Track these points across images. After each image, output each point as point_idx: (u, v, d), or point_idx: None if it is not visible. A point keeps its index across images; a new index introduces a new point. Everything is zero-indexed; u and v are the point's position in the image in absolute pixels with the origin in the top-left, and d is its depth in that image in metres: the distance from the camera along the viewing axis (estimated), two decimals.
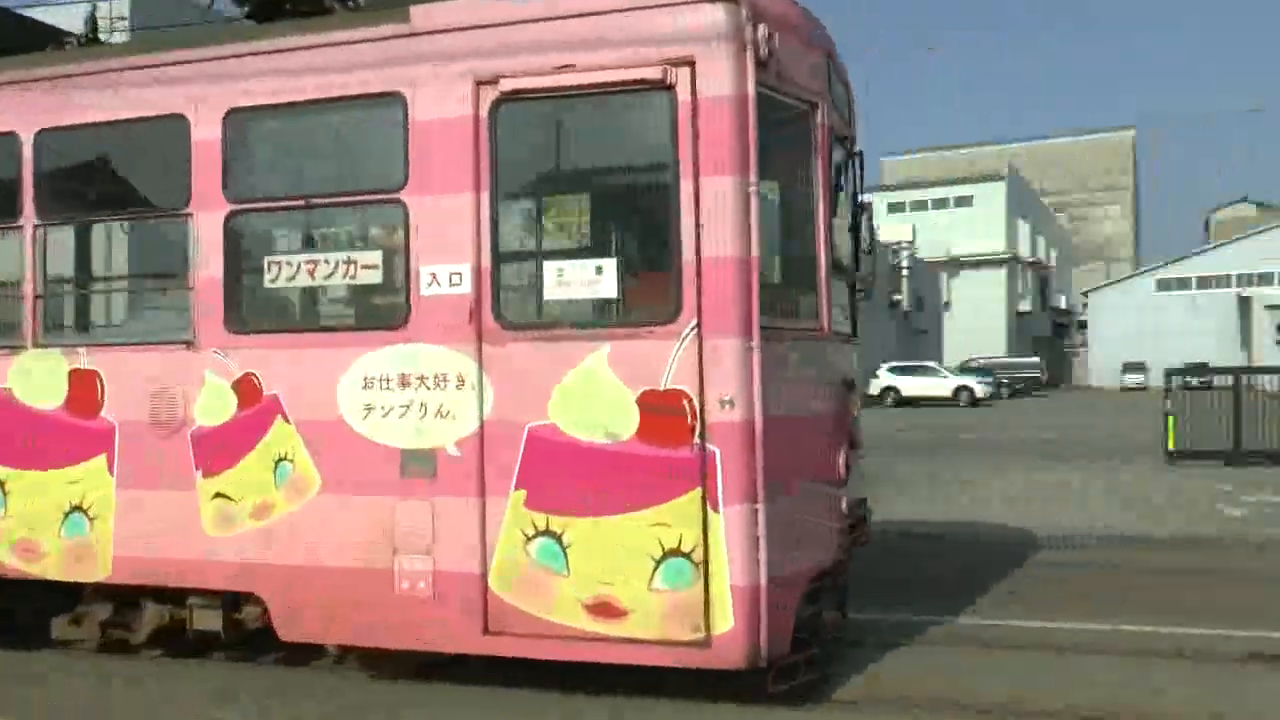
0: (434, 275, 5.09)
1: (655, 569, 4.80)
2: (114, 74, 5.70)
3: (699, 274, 4.74)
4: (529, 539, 4.98)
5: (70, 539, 5.80)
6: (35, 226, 5.85)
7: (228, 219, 5.46)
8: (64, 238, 6.50)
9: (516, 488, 5.00)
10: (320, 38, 5.33)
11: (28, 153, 5.85)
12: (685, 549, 4.78)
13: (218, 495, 5.50)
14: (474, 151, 5.03)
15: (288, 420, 5.36)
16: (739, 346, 4.72)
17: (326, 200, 5.50)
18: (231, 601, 5.67)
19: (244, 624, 5.72)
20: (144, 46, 5.97)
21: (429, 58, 5.11)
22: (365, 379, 5.22)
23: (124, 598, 5.93)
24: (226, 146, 5.45)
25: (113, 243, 6.75)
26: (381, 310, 5.52)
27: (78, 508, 5.79)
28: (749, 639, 4.71)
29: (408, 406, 5.15)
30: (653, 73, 4.78)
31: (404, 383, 5.15)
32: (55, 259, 6.04)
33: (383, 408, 5.19)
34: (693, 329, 4.76)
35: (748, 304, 4.73)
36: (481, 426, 5.03)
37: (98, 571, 5.77)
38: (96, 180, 6.36)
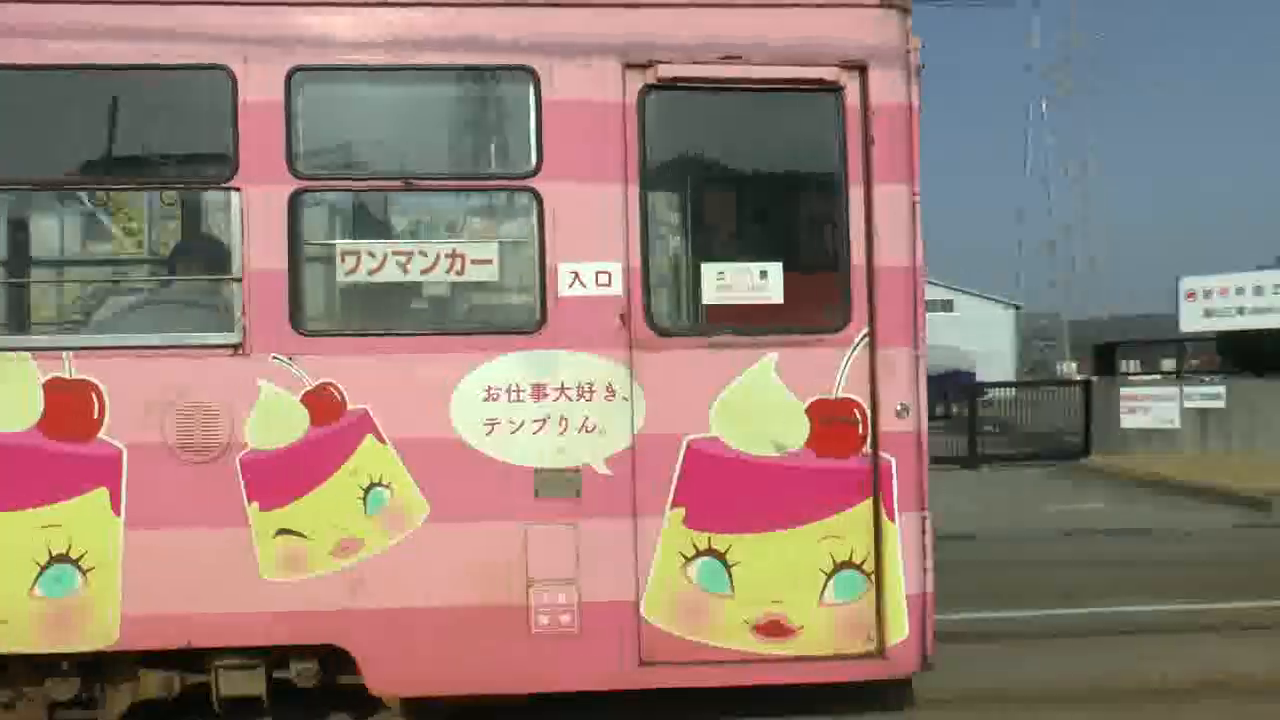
0: (576, 274, 4.57)
1: (826, 583, 4.68)
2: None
3: (870, 281, 4.68)
4: (688, 560, 4.64)
5: (50, 598, 4.52)
6: None
7: (292, 198, 4.53)
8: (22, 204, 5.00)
9: (674, 506, 4.63)
10: None
11: None
12: (856, 560, 4.70)
13: (282, 532, 4.54)
14: (622, 139, 4.59)
15: (382, 439, 4.55)
16: (910, 356, 4.72)
17: (433, 183, 4.73)
18: (276, 661, 4.72)
19: (290, 685, 4.77)
20: None
21: (568, 32, 4.59)
22: (489, 390, 4.57)
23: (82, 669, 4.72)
24: (288, 108, 4.52)
25: (97, 220, 5.27)
26: (507, 311, 4.86)
27: (63, 557, 4.52)
28: (920, 646, 4.73)
29: (544, 420, 4.58)
30: (828, 74, 4.65)
31: (539, 394, 4.58)
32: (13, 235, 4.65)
33: (511, 422, 4.57)
34: (864, 337, 4.69)
35: (915, 313, 4.75)
36: (634, 441, 4.60)
37: (97, 637, 4.53)
38: (78, 135, 4.96)
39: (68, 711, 4.86)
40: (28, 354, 4.52)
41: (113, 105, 4.79)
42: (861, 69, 4.67)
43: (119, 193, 5.17)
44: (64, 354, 4.52)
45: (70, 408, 4.50)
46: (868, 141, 4.67)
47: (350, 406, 4.54)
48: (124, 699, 4.83)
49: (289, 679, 4.74)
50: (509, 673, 4.60)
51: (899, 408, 4.69)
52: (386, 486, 4.56)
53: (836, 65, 4.65)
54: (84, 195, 5.16)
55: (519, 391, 4.57)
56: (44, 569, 4.50)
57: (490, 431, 4.56)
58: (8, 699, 4.82)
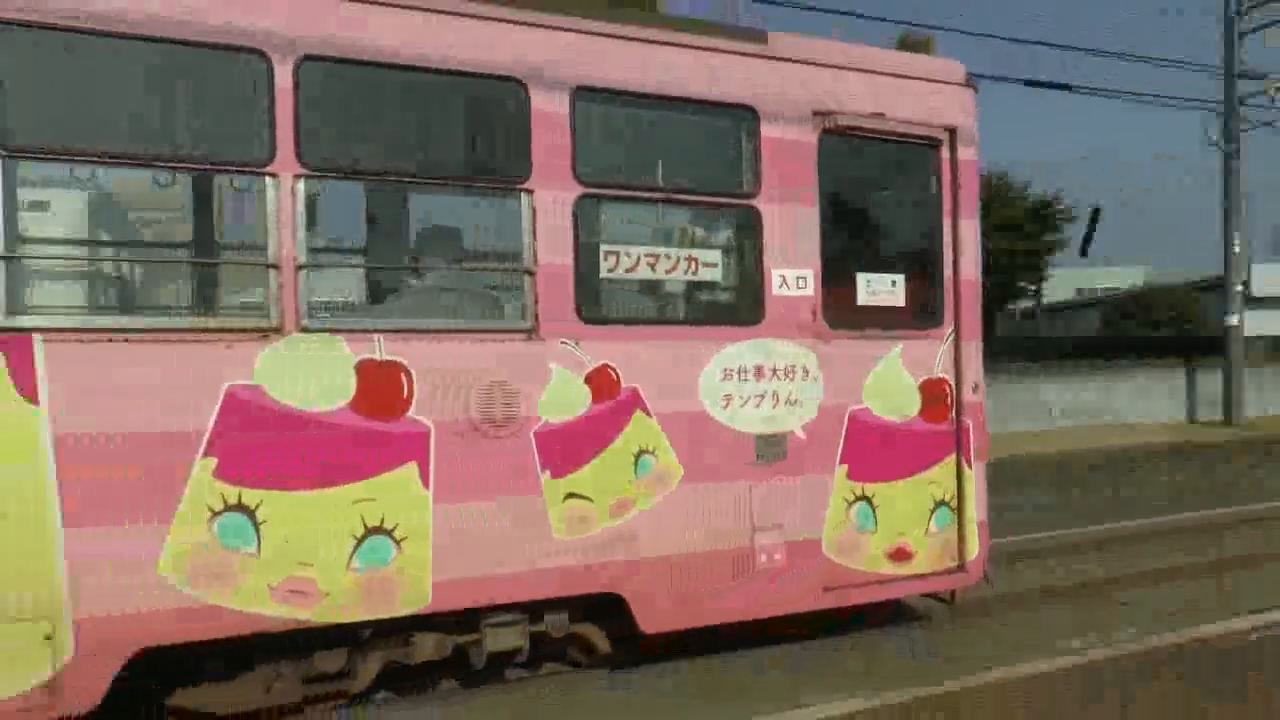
0: (783, 278, 5.67)
1: (930, 516, 6.21)
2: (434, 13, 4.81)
3: (956, 292, 6.30)
4: (849, 505, 5.93)
5: (365, 570, 4.69)
6: (296, 176, 4.56)
7: (576, 203, 5.13)
8: (335, 193, 4.81)
9: (841, 463, 5.89)
10: (682, 37, 5.40)
11: (285, 81, 4.54)
12: (947, 499, 6.29)
13: (570, 496, 5.12)
14: (812, 171, 5.77)
15: (648, 413, 5.31)
16: (979, 347, 6.40)
17: (685, 197, 5.51)
18: (535, 615, 5.26)
19: (547, 637, 5.33)
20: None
21: (779, 81, 5.67)
22: (725, 371, 5.51)
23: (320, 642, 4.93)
24: (574, 123, 5.12)
25: (391, 208, 5.08)
26: (735, 307, 5.71)
27: (375, 530, 4.71)
28: (985, 560, 6.42)
29: (763, 396, 5.62)
30: (936, 133, 6.19)
31: (759, 374, 5.61)
32: (323, 219, 4.67)
33: (740, 397, 5.55)
34: (952, 333, 6.29)
35: (980, 316, 6.44)
36: (820, 412, 5.80)
37: (412, 603, 4.78)
38: (393, 132, 4.93)
39: (317, 684, 5.00)
40: (340, 335, 4.67)
41: (422, 105, 5.01)
42: (951, 131, 6.27)
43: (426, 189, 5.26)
44: (375, 337, 4.73)
45: (381, 387, 4.73)
46: (955, 185, 6.28)
47: (624, 385, 5.24)
48: (373, 668, 5.07)
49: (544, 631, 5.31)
50: (739, 604, 5.57)
51: (974, 385, 6.35)
52: (651, 454, 5.32)
53: (941, 126, 6.20)
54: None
55: (746, 372, 5.57)
56: (360, 542, 4.69)
57: (726, 405, 5.51)
58: (267, 680, 4.85)
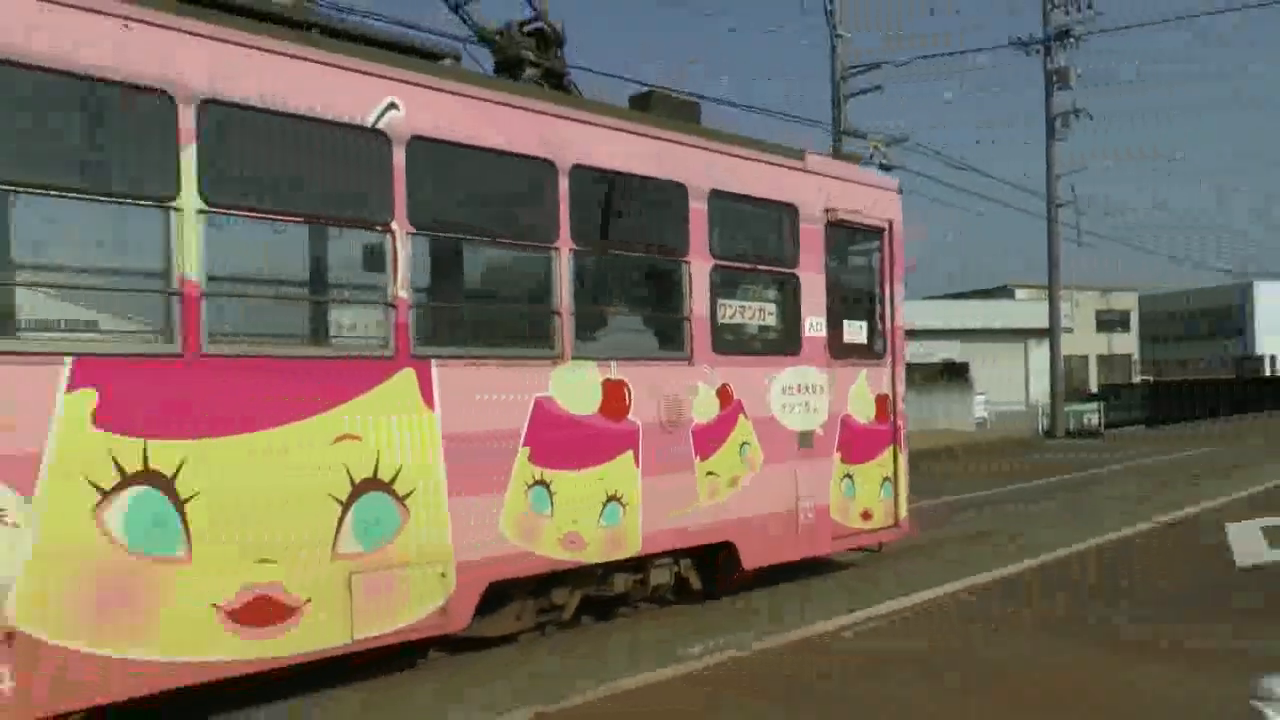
0: (811, 323, 8.26)
1: (880, 488, 9.03)
2: (625, 133, 6.97)
3: (892, 334, 9.18)
4: (841, 480, 8.59)
5: (607, 526, 6.70)
6: (571, 250, 6.54)
7: (711, 270, 7.43)
8: (590, 264, 6.69)
9: (836, 451, 8.54)
10: (765, 155, 7.87)
11: (564, 184, 6.52)
12: (889, 476, 9.13)
13: (709, 473, 7.38)
14: (822, 250, 8.42)
15: (746, 416, 7.68)
16: (904, 372, 9.32)
17: (762, 267, 7.90)
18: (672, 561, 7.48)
19: (685, 580, 7.54)
20: (650, 119, 7.10)
21: (810, 187, 8.27)
22: (783, 387, 7.99)
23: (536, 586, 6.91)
24: (710, 216, 7.43)
25: (615, 271, 6.92)
26: (785, 342, 8.12)
27: (613, 498, 6.74)
28: (911, 518, 9.32)
29: (803, 405, 8.15)
30: (882, 223, 9.06)
31: (799, 390, 8.14)
32: (584, 281, 6.64)
33: (789, 406, 8.05)
34: (890, 361, 9.17)
35: (902, 350, 9.36)
36: (829, 416, 8.42)
37: (629, 549, 6.84)
38: (615, 220, 6.84)
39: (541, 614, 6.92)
40: (594, 361, 6.69)
41: (609, 196, 7.03)
42: (890, 222, 9.16)
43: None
44: (611, 363, 6.79)
45: (615, 398, 6.80)
46: (892, 259, 9.17)
47: (735, 397, 7.59)
48: (575, 601, 7.06)
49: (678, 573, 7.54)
50: (791, 550, 8.06)
51: (903, 398, 9.26)
52: (748, 444, 7.70)
53: (885, 219, 9.08)
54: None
55: (792, 388, 8.08)
56: (604, 506, 6.71)
57: (783, 410, 8.00)
58: (516, 613, 6.71)
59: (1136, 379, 49.25)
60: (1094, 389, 40.99)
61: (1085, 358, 51.60)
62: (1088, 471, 18.39)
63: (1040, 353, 38.41)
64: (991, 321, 41.64)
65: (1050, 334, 30.86)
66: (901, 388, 9.30)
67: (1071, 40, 28.66)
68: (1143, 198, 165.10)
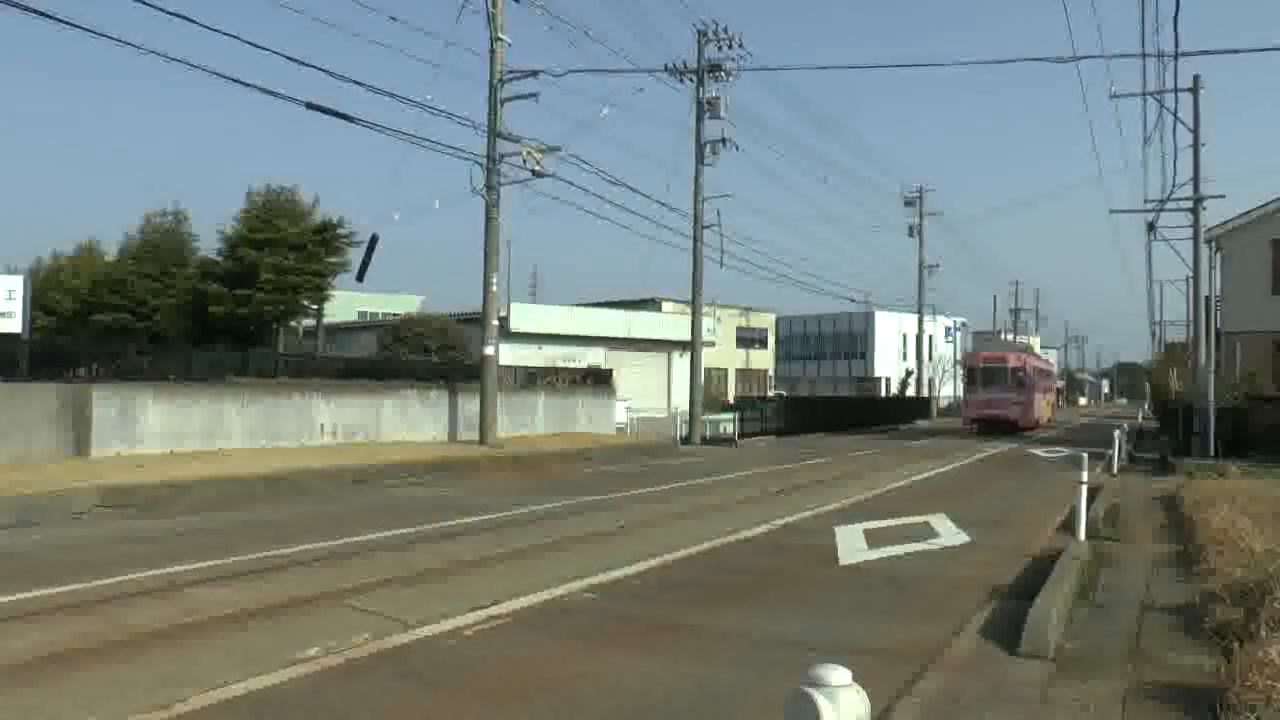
0: None
1: None
2: None
3: None
4: None
5: None
6: None
7: None
8: None
9: None
10: None
11: None
12: None
13: None
14: None
15: None
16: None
17: None
18: None
19: None
20: None
21: None
22: None
23: None
24: None
25: None
26: None
27: None
28: None
29: None
30: None
31: None
32: None
33: None
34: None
35: None
36: None
37: None
38: None
39: None
40: None
41: None
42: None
43: None
44: None
45: None
46: None
47: None
48: None
49: None
50: None
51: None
52: None
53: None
54: None
55: None
56: None
57: None
58: None
59: (772, 393, 53.11)
60: (732, 400, 43.63)
61: (725, 370, 54.82)
62: (710, 478, 19.58)
63: (684, 363, 40.58)
64: (638, 331, 43.31)
65: (692, 346, 32.76)
66: None
67: (722, 74, 30.55)
68: (780, 229, 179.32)
